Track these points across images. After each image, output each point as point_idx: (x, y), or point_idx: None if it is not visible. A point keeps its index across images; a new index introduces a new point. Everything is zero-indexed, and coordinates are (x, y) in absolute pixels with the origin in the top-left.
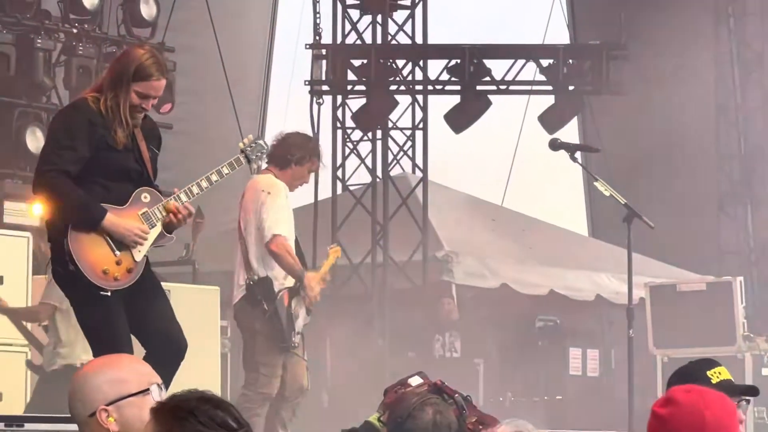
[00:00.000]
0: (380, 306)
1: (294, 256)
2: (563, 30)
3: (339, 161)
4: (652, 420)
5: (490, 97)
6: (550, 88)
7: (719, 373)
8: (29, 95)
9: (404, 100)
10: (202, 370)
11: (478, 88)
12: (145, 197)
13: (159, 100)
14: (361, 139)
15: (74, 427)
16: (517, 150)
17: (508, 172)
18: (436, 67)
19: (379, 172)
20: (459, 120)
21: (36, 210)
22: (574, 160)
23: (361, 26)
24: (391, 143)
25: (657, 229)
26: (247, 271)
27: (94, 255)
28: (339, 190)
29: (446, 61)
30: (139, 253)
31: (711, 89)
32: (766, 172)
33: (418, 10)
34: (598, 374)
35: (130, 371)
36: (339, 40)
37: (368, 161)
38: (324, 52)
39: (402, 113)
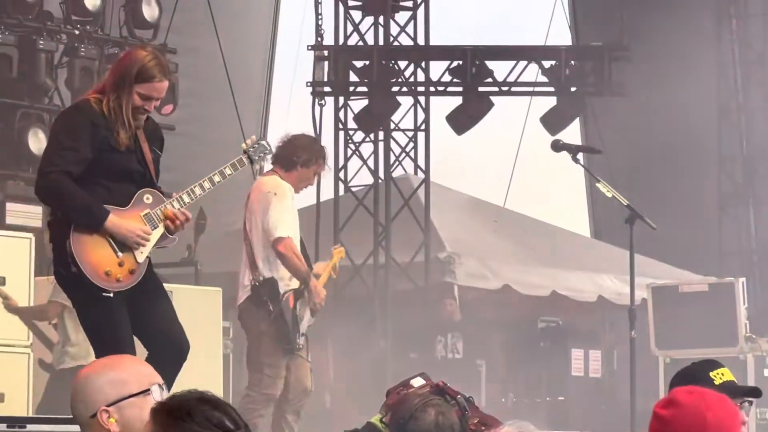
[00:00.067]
0: (382, 307)
1: (301, 257)
2: (565, 31)
3: (341, 162)
4: (654, 421)
5: (492, 98)
6: (552, 89)
7: (722, 374)
8: (31, 96)
9: (406, 101)
10: (204, 371)
11: (480, 89)
12: (148, 198)
13: (161, 101)
14: (363, 141)
15: (76, 428)
16: (519, 151)
17: (510, 173)
18: (438, 69)
19: (381, 174)
20: (461, 121)
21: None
22: (576, 161)
23: (363, 27)
24: (393, 144)
25: (659, 230)
26: (252, 272)
27: (96, 256)
28: (341, 192)
29: (448, 62)
30: (142, 255)
31: (713, 90)
32: None
33: (420, 11)
34: (600, 375)
35: (130, 372)
36: (341, 41)
37: (370, 162)
38: (326, 53)
39: (404, 114)
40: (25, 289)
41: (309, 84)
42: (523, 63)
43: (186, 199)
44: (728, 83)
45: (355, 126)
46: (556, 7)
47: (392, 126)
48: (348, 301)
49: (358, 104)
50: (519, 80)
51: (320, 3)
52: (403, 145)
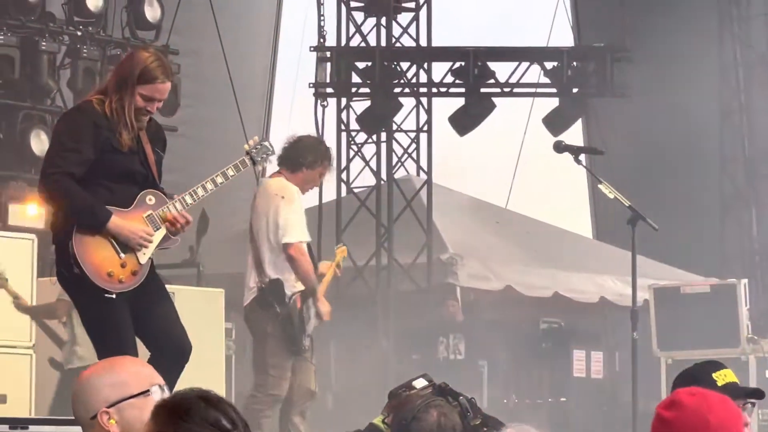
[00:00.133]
0: (384, 308)
1: (311, 264)
2: (567, 33)
3: (343, 164)
4: (656, 422)
5: (495, 99)
6: (554, 90)
7: (725, 375)
8: (34, 98)
9: (408, 102)
10: (206, 373)
11: (483, 90)
12: (150, 199)
13: (164, 103)
14: (365, 142)
15: (78, 429)
16: (521, 152)
17: (512, 174)
18: (440, 70)
19: (383, 175)
20: (463, 122)
21: (31, 211)
22: (579, 162)
23: (365, 29)
24: (395, 146)
25: (661, 231)
26: (258, 274)
27: (98, 257)
28: (343, 193)
29: (450, 63)
30: (144, 256)
31: (715, 91)
32: None
33: (423, 13)
34: (602, 376)
35: (130, 373)
36: (343, 42)
37: (372, 164)
38: (328, 54)
39: (406, 116)
40: (27, 290)
41: (311, 85)
42: (525, 64)
43: (188, 200)
44: (730, 84)
45: (357, 127)
46: (558, 9)
47: (394, 127)
48: (350, 302)
49: (360, 105)
50: (521, 81)
51: (323, 4)
52: (405, 147)
